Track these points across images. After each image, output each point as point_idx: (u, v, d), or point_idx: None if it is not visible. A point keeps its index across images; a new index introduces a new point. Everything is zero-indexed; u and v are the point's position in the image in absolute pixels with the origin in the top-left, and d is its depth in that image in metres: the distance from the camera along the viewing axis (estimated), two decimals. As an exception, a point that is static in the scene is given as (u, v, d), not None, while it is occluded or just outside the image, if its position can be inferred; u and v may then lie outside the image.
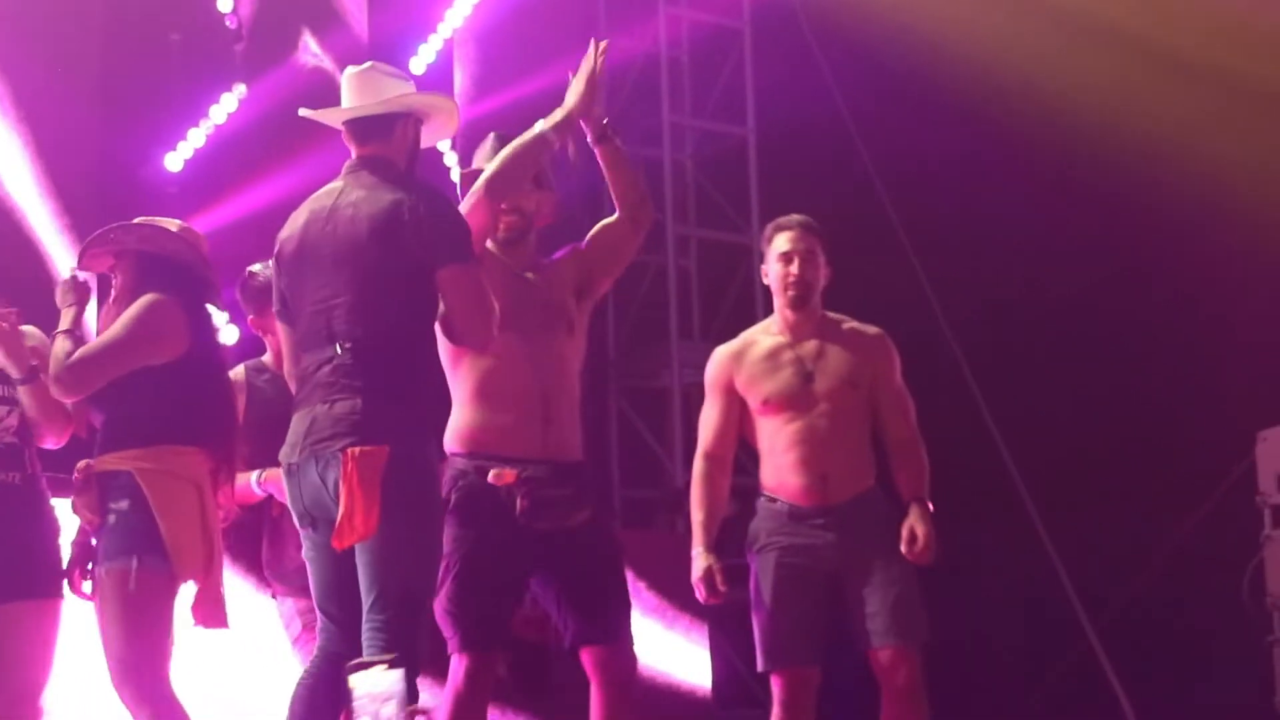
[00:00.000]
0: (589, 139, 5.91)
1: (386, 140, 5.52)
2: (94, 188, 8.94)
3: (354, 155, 5.55)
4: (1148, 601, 9.70)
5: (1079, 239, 9.75)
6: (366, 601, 5.23)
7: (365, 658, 5.23)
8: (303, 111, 5.64)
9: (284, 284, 5.46)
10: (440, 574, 5.66)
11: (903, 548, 6.17)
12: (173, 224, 5.94)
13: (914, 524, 6.21)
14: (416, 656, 5.23)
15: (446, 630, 5.66)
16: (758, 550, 6.34)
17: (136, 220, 5.95)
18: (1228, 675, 9.06)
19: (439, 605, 5.67)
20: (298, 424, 5.32)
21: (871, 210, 10.17)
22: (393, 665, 5.17)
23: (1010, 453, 9.86)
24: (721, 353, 6.52)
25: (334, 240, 5.36)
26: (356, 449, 5.15)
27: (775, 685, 6.25)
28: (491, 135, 6.01)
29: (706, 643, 9.55)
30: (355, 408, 5.23)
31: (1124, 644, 9.57)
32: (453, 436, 5.82)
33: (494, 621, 5.69)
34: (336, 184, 5.48)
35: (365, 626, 5.21)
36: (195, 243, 5.93)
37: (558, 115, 5.84)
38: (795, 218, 6.47)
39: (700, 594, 6.29)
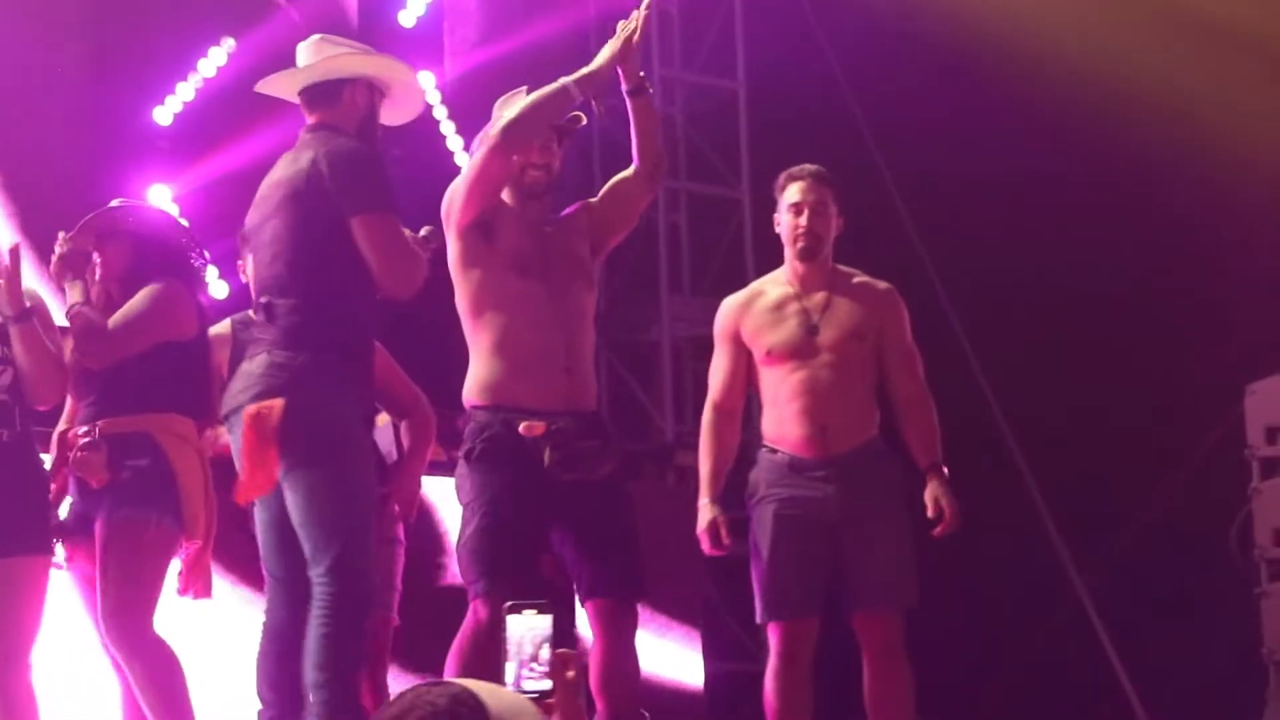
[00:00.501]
0: (624, 89, 5.92)
1: (332, 107, 5.56)
2: (82, 142, 8.90)
3: (306, 123, 5.61)
4: (1137, 555, 9.72)
5: (1071, 194, 9.74)
6: (307, 556, 5.29)
7: (311, 609, 5.31)
8: (257, 87, 5.70)
9: (248, 253, 5.62)
10: (464, 522, 5.71)
11: (929, 513, 6.20)
12: (161, 205, 6.04)
13: (939, 497, 6.23)
14: (363, 602, 5.29)
15: (469, 577, 5.69)
16: (757, 501, 6.34)
17: (119, 202, 6.04)
18: (1216, 627, 9.09)
19: (463, 552, 5.70)
20: (231, 383, 5.45)
21: (863, 164, 10.15)
22: (343, 613, 5.22)
23: (1000, 406, 9.86)
24: (730, 303, 6.51)
25: (268, 203, 5.46)
26: (252, 407, 5.24)
27: (773, 636, 6.25)
28: (524, 89, 6.00)
29: (697, 593, 9.57)
30: (268, 362, 5.32)
31: (1113, 597, 9.60)
32: (475, 389, 5.83)
33: (518, 570, 5.71)
34: (288, 154, 5.56)
35: (313, 580, 5.28)
36: (180, 225, 6.06)
37: (586, 70, 5.85)
38: (808, 168, 6.46)
39: (705, 546, 6.30)
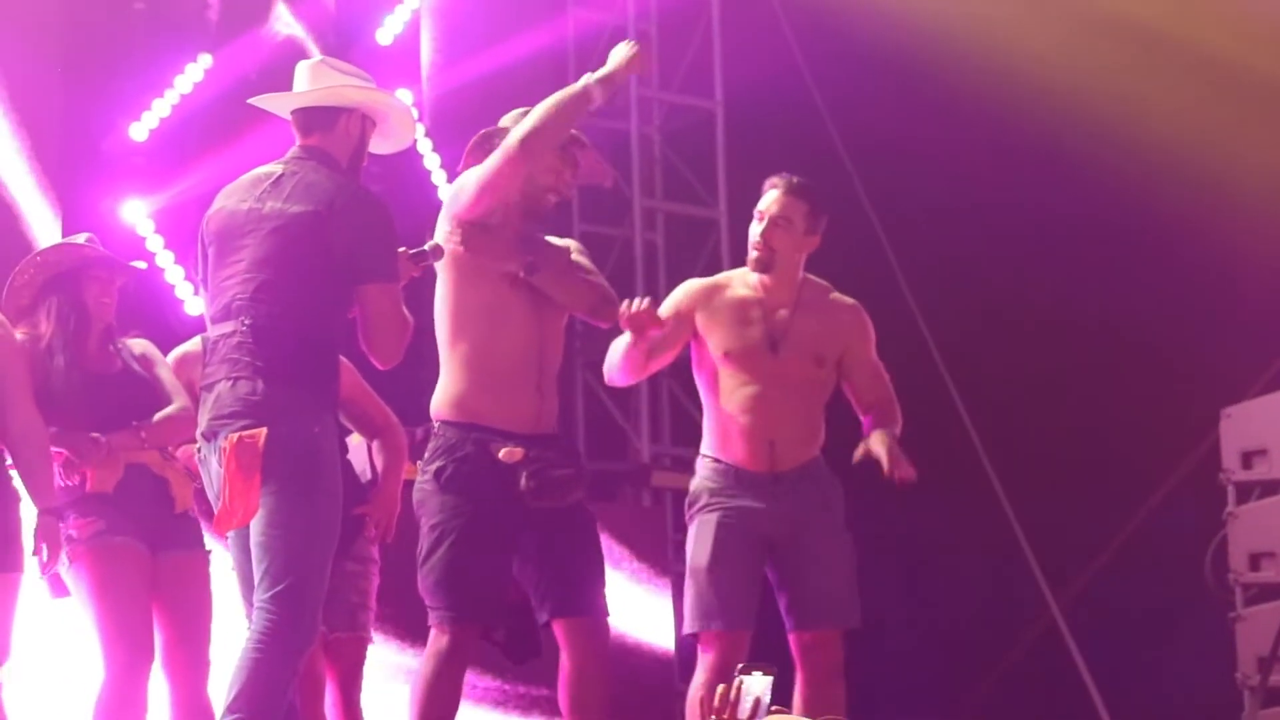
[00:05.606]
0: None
1: (328, 133, 5.53)
2: (57, 157, 8.86)
3: (297, 144, 5.57)
4: (1112, 578, 9.71)
5: (1051, 216, 9.75)
6: (256, 577, 5.24)
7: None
8: (251, 100, 5.67)
9: (209, 254, 5.51)
10: (431, 543, 5.66)
11: (862, 455, 6.06)
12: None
13: (874, 446, 6.07)
14: (303, 637, 5.23)
15: (435, 602, 5.65)
16: (699, 509, 6.21)
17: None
18: (1191, 651, 9.08)
19: (430, 576, 5.65)
20: (204, 400, 5.37)
21: (839, 185, 10.15)
22: (279, 643, 5.17)
23: (976, 427, 9.86)
24: (692, 285, 6.32)
25: (259, 221, 5.38)
26: (235, 435, 5.17)
27: (707, 648, 6.07)
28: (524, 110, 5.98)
29: (670, 609, 9.54)
30: (256, 389, 5.25)
31: (1088, 620, 9.59)
32: (446, 402, 5.79)
33: (488, 596, 5.68)
34: (275, 167, 5.50)
35: (256, 604, 5.22)
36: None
37: (603, 70, 5.82)
38: (785, 180, 6.29)
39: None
